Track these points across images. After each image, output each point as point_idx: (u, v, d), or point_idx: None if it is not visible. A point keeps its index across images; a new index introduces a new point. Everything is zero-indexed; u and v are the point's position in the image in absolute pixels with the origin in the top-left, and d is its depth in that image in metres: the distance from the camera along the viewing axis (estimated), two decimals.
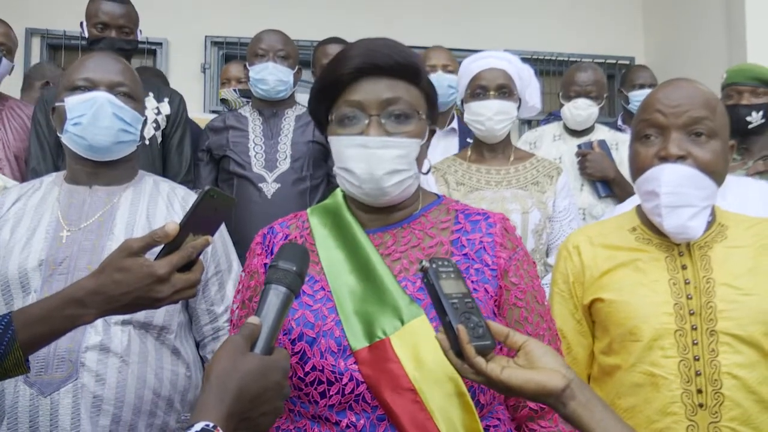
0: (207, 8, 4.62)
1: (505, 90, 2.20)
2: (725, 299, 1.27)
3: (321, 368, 1.02)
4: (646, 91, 3.05)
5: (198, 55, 4.62)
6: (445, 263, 0.91)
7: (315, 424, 1.04)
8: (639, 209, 1.44)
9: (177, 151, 2.64)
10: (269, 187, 2.44)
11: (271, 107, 2.59)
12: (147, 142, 2.55)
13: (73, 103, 1.47)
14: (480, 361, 0.83)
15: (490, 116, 2.18)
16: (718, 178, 1.29)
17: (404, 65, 1.08)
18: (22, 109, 2.68)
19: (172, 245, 0.97)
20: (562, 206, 2.25)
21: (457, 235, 1.12)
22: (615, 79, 4.99)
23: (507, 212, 2.13)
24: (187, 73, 4.54)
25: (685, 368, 1.25)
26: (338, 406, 1.01)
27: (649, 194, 1.31)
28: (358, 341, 1.01)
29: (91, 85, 1.49)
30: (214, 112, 4.17)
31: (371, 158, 1.06)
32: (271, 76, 2.52)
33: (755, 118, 2.54)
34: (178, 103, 2.67)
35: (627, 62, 4.98)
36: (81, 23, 2.58)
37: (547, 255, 2.27)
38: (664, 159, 1.28)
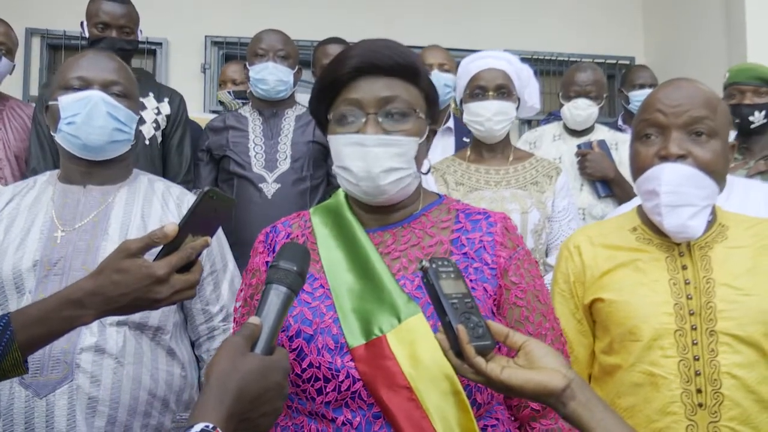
0: (207, 8, 4.61)
1: (504, 90, 2.20)
2: (725, 299, 1.27)
3: (318, 365, 1.02)
4: (647, 91, 3.06)
5: (198, 55, 4.62)
6: (445, 263, 0.90)
7: (312, 420, 1.04)
8: (639, 209, 1.44)
9: (177, 151, 2.65)
10: (269, 188, 2.44)
11: (271, 107, 2.59)
12: (147, 142, 2.56)
13: (66, 102, 1.45)
14: (480, 361, 0.83)
15: (489, 117, 2.18)
16: (718, 177, 1.29)
17: (403, 65, 1.09)
18: (22, 109, 2.68)
19: (171, 246, 0.97)
20: (561, 206, 2.25)
21: (457, 234, 1.12)
22: (615, 79, 4.99)
23: (506, 212, 2.12)
24: (187, 73, 4.54)
25: (684, 368, 1.25)
26: (335, 403, 1.02)
27: (650, 193, 1.31)
28: (355, 339, 1.02)
29: (85, 84, 1.47)
30: (214, 112, 4.17)
31: (368, 156, 1.06)
32: (271, 76, 2.52)
33: (758, 118, 2.54)
34: (178, 103, 2.68)
35: (627, 62, 4.98)
36: (81, 23, 2.58)
37: (547, 255, 2.27)
38: (665, 158, 1.28)
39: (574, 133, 2.86)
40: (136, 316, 1.38)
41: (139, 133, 2.52)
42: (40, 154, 2.44)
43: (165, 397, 1.43)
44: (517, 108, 2.26)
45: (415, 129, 1.09)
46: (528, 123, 4.75)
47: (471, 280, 1.06)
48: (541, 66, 4.91)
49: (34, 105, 2.66)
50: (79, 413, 1.30)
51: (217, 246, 1.57)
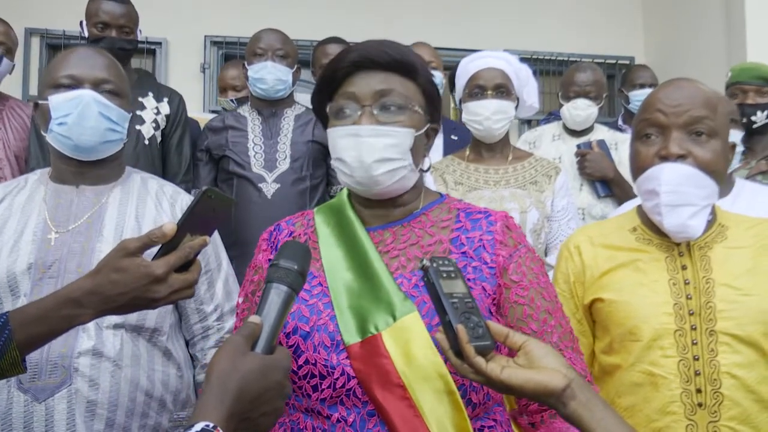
0: (207, 8, 4.61)
1: (503, 89, 2.20)
2: (725, 299, 1.27)
3: (314, 362, 1.02)
4: (647, 91, 3.06)
5: (197, 54, 4.62)
6: (446, 262, 0.90)
7: (308, 417, 1.05)
8: (639, 209, 1.44)
9: (176, 151, 2.65)
10: (269, 187, 2.43)
11: (270, 107, 2.59)
12: (147, 142, 2.56)
13: (57, 101, 1.41)
14: (480, 360, 0.83)
15: (488, 116, 2.18)
16: (718, 177, 1.30)
17: (399, 60, 1.10)
18: (22, 109, 2.68)
19: (169, 245, 0.97)
20: (560, 206, 2.25)
21: (456, 233, 1.12)
22: (615, 78, 4.99)
23: (505, 211, 2.13)
24: (186, 73, 4.54)
25: (684, 368, 1.25)
26: (330, 400, 1.02)
27: (650, 193, 1.31)
28: (351, 336, 1.02)
29: (76, 83, 1.43)
30: (213, 111, 4.17)
31: (362, 146, 1.07)
32: (269, 75, 2.52)
33: (760, 118, 2.54)
34: (177, 102, 2.68)
35: (627, 62, 4.98)
36: (81, 23, 2.58)
37: (546, 254, 2.27)
38: (665, 158, 1.28)
39: (574, 133, 2.86)
40: (133, 319, 1.38)
41: (138, 133, 2.54)
42: (40, 153, 2.44)
43: (162, 397, 1.43)
44: (516, 107, 2.27)
45: (410, 122, 1.10)
46: (528, 123, 4.75)
47: (469, 280, 1.06)
48: (540, 66, 4.91)
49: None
50: (79, 417, 1.30)
51: (211, 245, 1.56)
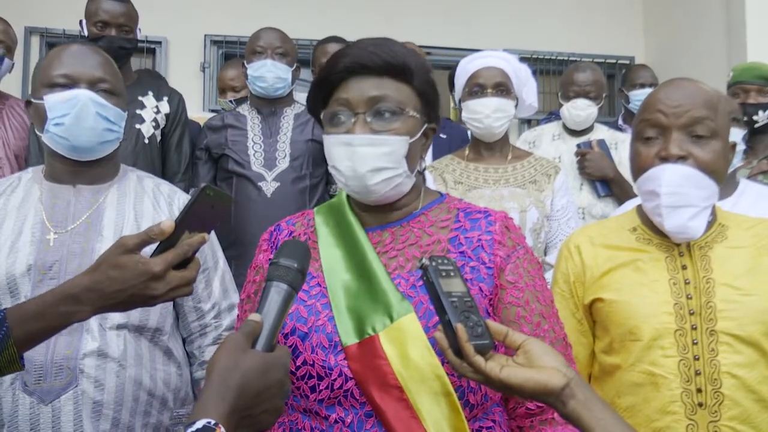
0: (206, 7, 4.61)
1: (503, 88, 2.20)
2: (725, 299, 1.27)
3: (312, 363, 1.02)
4: (647, 91, 3.06)
5: (197, 54, 4.61)
6: (445, 261, 0.90)
7: (306, 417, 1.04)
8: (639, 209, 1.44)
9: (176, 150, 2.66)
10: (269, 186, 2.43)
11: (270, 105, 2.59)
12: (146, 141, 2.56)
13: (53, 101, 1.39)
14: (479, 359, 0.83)
15: (489, 114, 2.18)
16: (718, 177, 1.29)
17: (393, 64, 1.09)
18: (22, 108, 2.68)
19: (167, 242, 0.96)
20: (559, 205, 2.25)
21: (455, 233, 1.12)
22: (615, 78, 4.99)
23: (505, 211, 2.13)
24: (186, 72, 4.53)
25: (684, 367, 1.25)
26: (327, 401, 1.02)
27: (650, 194, 1.30)
28: (348, 337, 1.02)
29: (71, 82, 1.41)
30: (213, 111, 4.17)
31: (355, 156, 1.07)
32: (269, 73, 2.51)
33: (762, 117, 2.54)
34: (177, 102, 2.68)
35: (627, 62, 4.98)
36: (80, 21, 2.58)
37: (545, 253, 2.27)
38: (665, 159, 1.28)
39: (574, 132, 2.86)
40: (136, 319, 1.38)
41: (138, 132, 2.54)
42: (40, 153, 2.44)
43: (163, 396, 1.43)
44: (516, 107, 2.27)
45: (405, 128, 1.09)
46: (528, 122, 4.75)
47: (467, 280, 1.05)
48: (541, 65, 4.91)
49: None
50: (86, 418, 1.30)
51: (208, 244, 1.55)
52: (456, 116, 3.43)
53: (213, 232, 1.59)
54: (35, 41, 4.40)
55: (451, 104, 3.08)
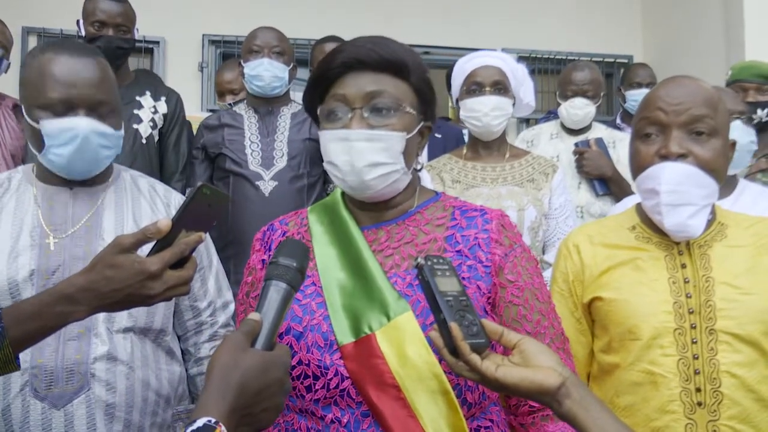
0: (205, 7, 4.60)
1: (501, 86, 2.21)
2: (724, 298, 1.26)
3: (307, 362, 1.02)
4: (644, 91, 3.06)
5: (196, 53, 4.61)
6: (440, 261, 0.90)
7: (302, 417, 1.04)
8: (639, 208, 1.43)
9: (174, 149, 2.66)
10: (266, 185, 2.43)
11: (267, 105, 2.58)
12: (144, 141, 2.56)
13: (51, 129, 1.33)
14: (475, 358, 0.83)
15: (487, 112, 2.19)
16: (718, 176, 1.29)
17: (389, 60, 1.08)
18: (19, 109, 2.67)
19: (164, 242, 0.96)
20: (557, 203, 2.25)
21: (451, 231, 1.12)
22: (613, 77, 4.99)
23: (503, 209, 2.13)
24: (184, 72, 4.53)
25: (684, 367, 1.25)
26: (323, 401, 1.01)
27: (650, 192, 1.30)
28: (344, 336, 1.01)
29: (69, 107, 1.33)
30: (211, 111, 4.16)
31: (352, 151, 1.06)
32: (266, 72, 2.51)
33: (761, 116, 2.54)
34: (175, 101, 2.69)
35: (625, 60, 4.99)
36: (77, 21, 2.58)
37: (544, 252, 2.27)
38: (665, 157, 1.28)
39: (572, 131, 2.86)
40: (142, 321, 1.39)
41: (136, 132, 2.54)
42: None
43: (168, 394, 1.45)
44: (513, 106, 2.27)
45: (401, 124, 1.09)
46: (526, 122, 4.75)
47: (464, 278, 1.05)
48: (539, 65, 4.92)
49: None
50: (99, 420, 1.31)
51: (203, 243, 1.56)
52: (455, 115, 3.43)
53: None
54: (33, 41, 4.39)
55: (449, 103, 3.09)
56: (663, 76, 1.47)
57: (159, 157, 2.65)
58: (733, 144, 1.37)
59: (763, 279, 1.27)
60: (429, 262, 0.89)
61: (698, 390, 1.24)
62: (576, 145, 2.76)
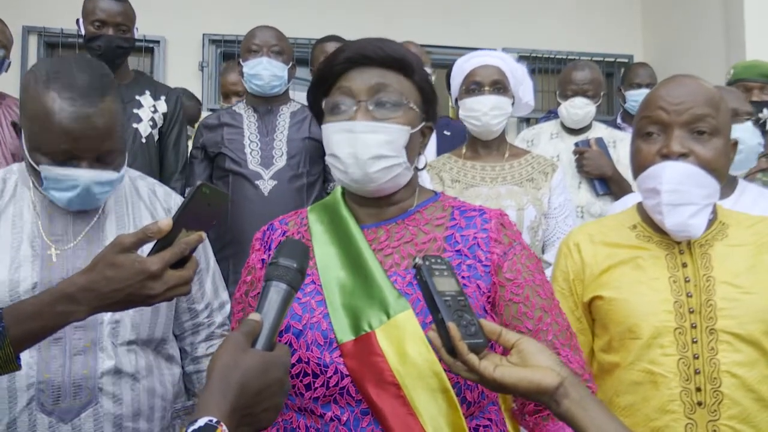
0: (205, 6, 4.61)
1: (500, 86, 2.21)
2: (725, 297, 1.26)
3: (307, 360, 1.02)
4: (643, 91, 3.06)
5: (196, 53, 4.61)
6: (438, 261, 0.90)
7: (301, 416, 1.04)
8: (640, 207, 1.43)
9: (173, 149, 2.67)
10: (266, 185, 2.43)
11: (266, 104, 2.58)
12: (144, 141, 2.56)
13: (51, 174, 1.26)
14: (473, 358, 0.83)
15: (486, 111, 2.19)
16: (719, 175, 1.29)
17: (395, 57, 1.10)
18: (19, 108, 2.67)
19: (164, 241, 0.95)
20: (557, 203, 2.25)
21: (451, 231, 1.12)
22: (614, 77, 5.00)
23: (502, 209, 2.13)
24: (185, 72, 4.53)
25: (684, 366, 1.25)
26: (323, 399, 1.02)
27: (651, 192, 1.30)
28: (344, 334, 1.01)
29: (72, 157, 1.26)
30: (211, 110, 4.16)
31: (356, 142, 1.07)
32: (265, 71, 2.51)
33: (766, 115, 2.53)
34: (174, 101, 2.69)
35: (625, 60, 4.99)
36: (77, 20, 2.58)
37: (543, 251, 2.27)
38: (666, 157, 1.27)
39: (572, 131, 2.86)
40: (144, 333, 1.39)
41: (135, 132, 2.54)
42: None
43: (170, 397, 1.48)
44: (512, 105, 2.27)
45: (405, 119, 1.10)
46: (527, 121, 4.75)
47: (463, 277, 1.06)
48: (540, 64, 4.92)
49: None
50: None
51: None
52: (455, 115, 3.43)
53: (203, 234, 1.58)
54: (33, 41, 4.40)
55: (450, 103, 3.09)
56: (663, 76, 1.47)
57: (159, 157, 2.65)
58: (735, 144, 1.37)
59: (763, 278, 1.27)
60: (427, 263, 0.89)
61: (698, 390, 1.23)
62: (576, 144, 2.76)
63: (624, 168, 2.58)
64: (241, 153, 2.47)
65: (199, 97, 4.51)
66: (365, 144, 1.06)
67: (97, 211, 1.42)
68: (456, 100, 2.32)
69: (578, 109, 2.78)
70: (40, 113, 1.24)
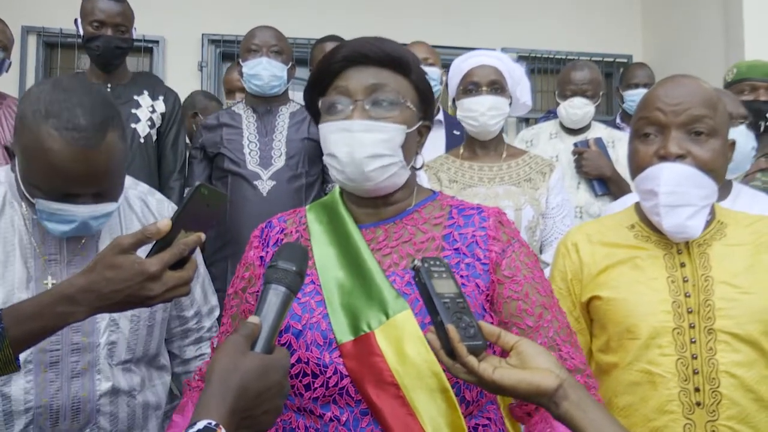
0: (204, 6, 4.60)
1: (497, 86, 2.21)
2: (724, 297, 1.26)
3: (306, 360, 1.02)
4: (641, 91, 3.06)
5: (195, 53, 4.61)
6: (437, 262, 0.90)
7: (300, 416, 1.04)
8: (638, 207, 1.43)
9: (172, 149, 2.67)
10: (264, 185, 2.43)
11: (265, 104, 2.59)
12: (142, 141, 2.57)
13: (46, 208, 1.22)
14: (472, 360, 0.83)
15: (484, 111, 2.19)
16: (717, 176, 1.28)
17: (392, 56, 1.10)
18: None
19: (163, 242, 0.95)
20: (555, 203, 2.25)
21: (449, 229, 1.12)
22: (613, 77, 4.99)
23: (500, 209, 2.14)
24: (184, 72, 4.53)
25: (682, 366, 1.25)
26: (322, 399, 1.02)
27: (648, 193, 1.30)
28: (343, 334, 1.01)
29: (69, 194, 1.21)
30: None
31: (353, 141, 1.07)
32: (264, 71, 2.51)
33: None
34: (173, 101, 2.69)
35: (625, 60, 4.99)
36: (75, 20, 2.58)
37: (541, 251, 2.27)
38: (664, 158, 1.27)
39: (571, 131, 2.86)
40: (140, 351, 1.40)
41: (134, 132, 2.54)
42: None
43: (162, 405, 1.50)
44: (510, 105, 2.27)
45: (402, 118, 1.10)
46: (526, 121, 4.75)
47: (462, 276, 1.05)
48: (539, 64, 4.92)
49: None
50: None
51: None
52: (454, 114, 3.43)
53: None
54: (32, 41, 4.39)
55: (449, 102, 3.09)
56: (663, 76, 1.47)
57: (157, 157, 2.66)
58: (733, 144, 1.37)
59: (762, 278, 1.27)
60: (426, 264, 0.89)
61: (697, 390, 1.23)
62: (575, 145, 2.76)
63: (623, 168, 2.58)
64: (240, 153, 2.47)
65: None
66: (361, 143, 1.06)
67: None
68: (453, 100, 2.32)
69: (577, 109, 2.78)
70: (38, 151, 1.15)
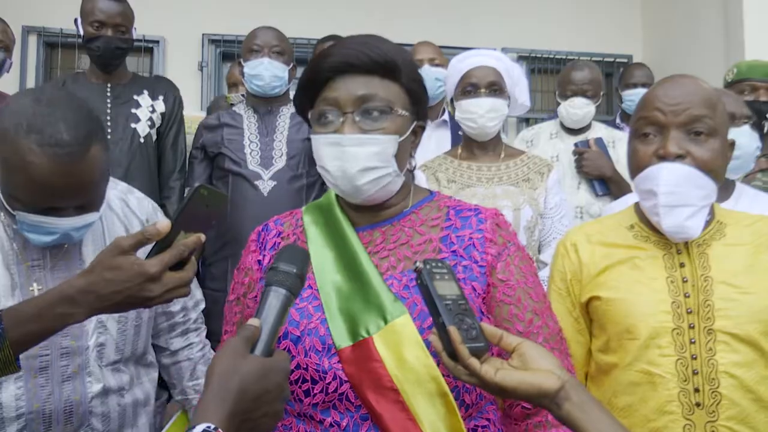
0: (204, 6, 4.60)
1: (496, 87, 2.20)
2: (723, 297, 1.26)
3: (305, 366, 1.02)
4: (640, 91, 3.05)
5: (195, 53, 4.61)
6: (439, 264, 0.90)
7: (300, 422, 1.04)
8: (637, 207, 1.43)
9: (172, 148, 2.67)
10: (265, 185, 2.43)
11: (266, 104, 2.58)
12: (142, 140, 2.56)
13: (28, 220, 1.20)
14: (474, 362, 0.83)
15: (482, 113, 2.18)
16: (717, 176, 1.28)
17: (379, 62, 1.07)
18: None
19: (163, 243, 0.95)
20: (553, 203, 2.25)
21: (447, 231, 1.11)
22: (613, 77, 4.99)
23: (498, 209, 2.13)
24: (184, 72, 4.52)
25: (682, 367, 1.25)
26: (322, 405, 1.01)
27: (648, 193, 1.29)
28: (342, 340, 1.01)
29: (51, 208, 1.19)
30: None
31: (344, 156, 1.05)
32: (266, 71, 2.51)
33: None
34: (173, 100, 2.68)
35: (625, 60, 4.98)
36: (75, 20, 2.57)
37: (539, 252, 2.27)
38: (663, 158, 1.27)
39: (571, 131, 2.85)
40: (128, 351, 1.41)
41: (134, 132, 2.54)
42: None
43: (151, 401, 1.52)
44: (508, 106, 2.26)
45: (393, 127, 1.08)
46: (526, 121, 4.75)
47: (460, 279, 1.05)
48: (539, 64, 4.91)
49: None
50: None
51: None
52: (453, 113, 3.43)
53: None
54: (32, 40, 4.39)
55: (447, 101, 3.09)
56: (662, 76, 1.46)
57: (157, 156, 2.66)
58: (732, 143, 1.36)
59: (762, 278, 1.27)
60: (428, 266, 0.89)
61: (696, 390, 1.23)
62: (575, 145, 2.76)
63: (623, 168, 2.57)
64: (240, 153, 2.47)
65: (198, 98, 4.52)
66: (354, 157, 1.05)
67: None
68: (452, 100, 2.31)
69: (577, 109, 2.78)
70: (19, 166, 1.13)
